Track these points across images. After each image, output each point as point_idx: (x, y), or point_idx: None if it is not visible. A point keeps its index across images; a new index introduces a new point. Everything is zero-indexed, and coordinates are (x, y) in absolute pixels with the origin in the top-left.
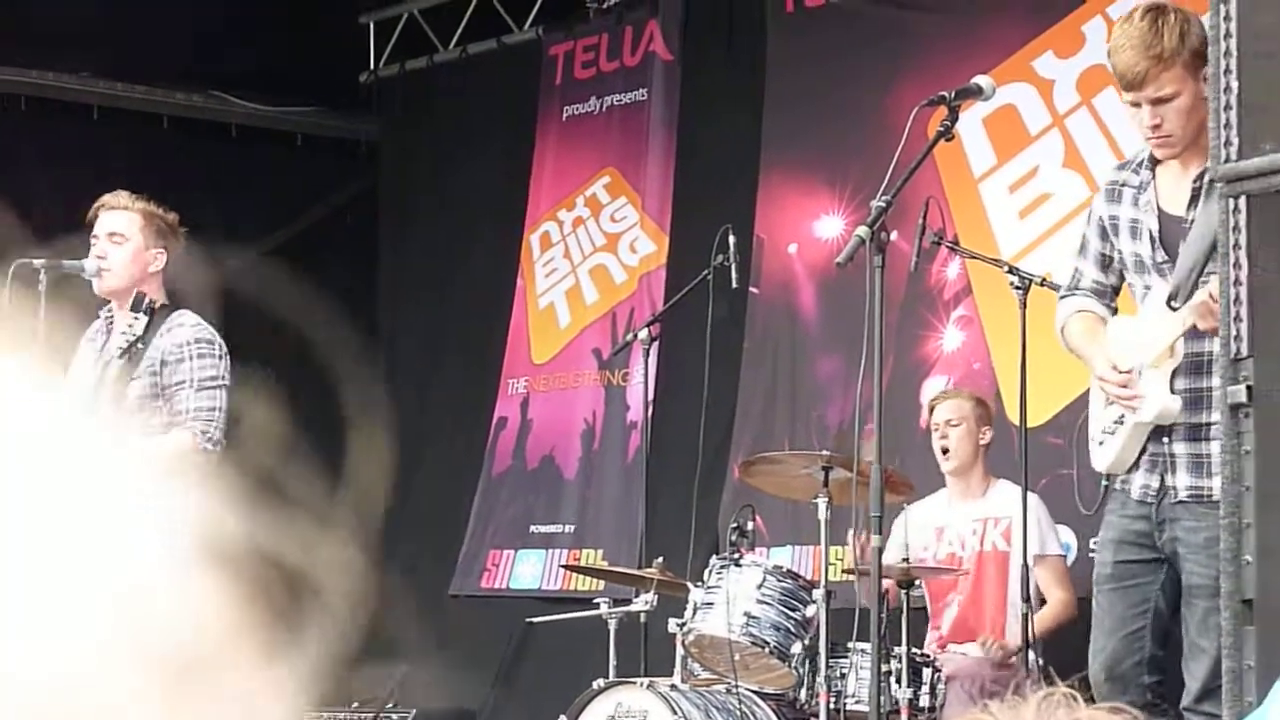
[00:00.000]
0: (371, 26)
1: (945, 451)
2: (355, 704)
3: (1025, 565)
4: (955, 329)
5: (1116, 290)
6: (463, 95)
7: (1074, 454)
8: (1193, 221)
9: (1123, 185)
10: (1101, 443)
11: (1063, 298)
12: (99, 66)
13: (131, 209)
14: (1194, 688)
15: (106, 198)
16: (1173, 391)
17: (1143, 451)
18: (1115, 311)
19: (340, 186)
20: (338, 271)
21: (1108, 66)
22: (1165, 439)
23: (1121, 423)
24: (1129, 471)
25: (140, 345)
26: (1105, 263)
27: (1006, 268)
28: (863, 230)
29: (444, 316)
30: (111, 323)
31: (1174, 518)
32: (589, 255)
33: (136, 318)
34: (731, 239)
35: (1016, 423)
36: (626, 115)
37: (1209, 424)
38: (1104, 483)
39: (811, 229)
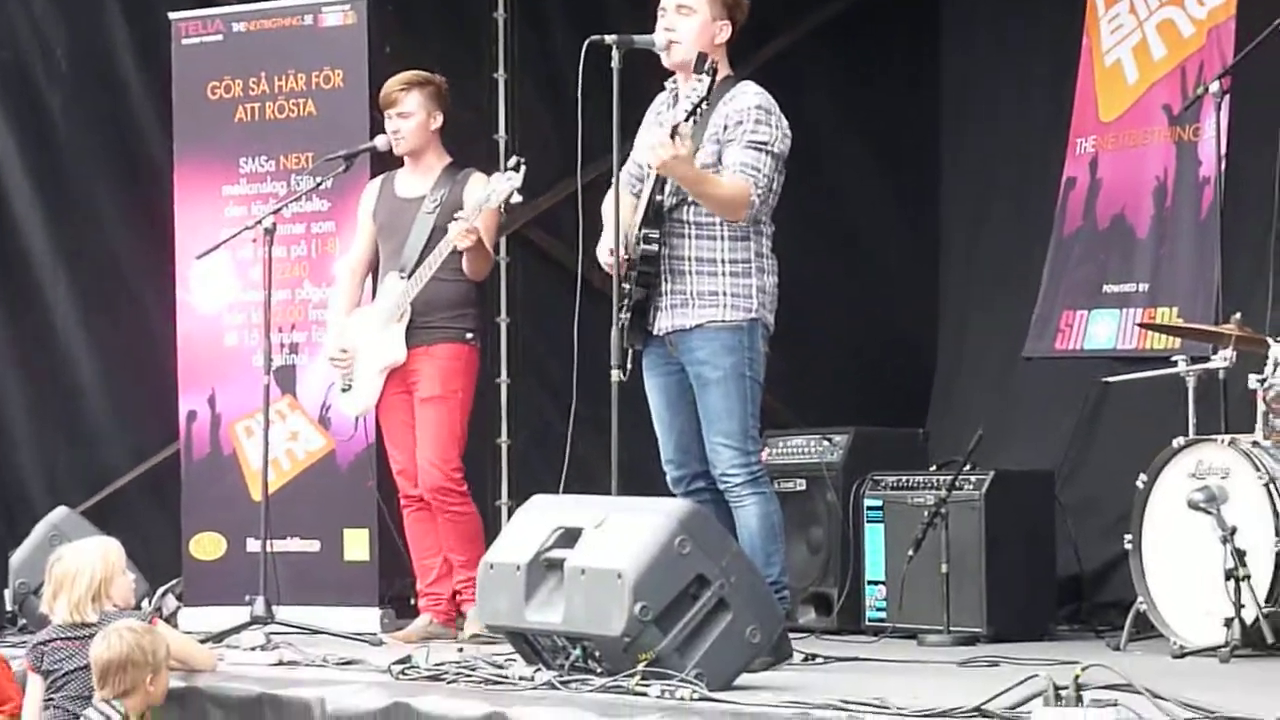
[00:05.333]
0: None
1: None
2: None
3: None
4: None
5: None
6: None
7: None
8: None
9: None
10: None
11: None
12: None
13: None
14: None
15: None
16: None
17: None
18: None
19: None
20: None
21: None
22: None
23: None
24: None
25: (705, 106)
26: None
27: None
28: None
29: (1006, 73)
30: (676, 95)
31: None
32: (1155, 10)
33: (700, 79)
34: None
35: None
36: None
37: None
38: None
39: None
